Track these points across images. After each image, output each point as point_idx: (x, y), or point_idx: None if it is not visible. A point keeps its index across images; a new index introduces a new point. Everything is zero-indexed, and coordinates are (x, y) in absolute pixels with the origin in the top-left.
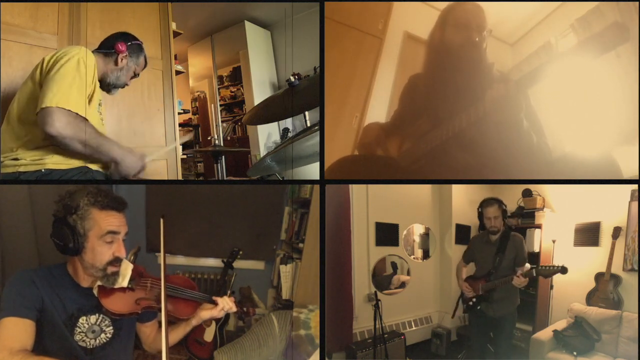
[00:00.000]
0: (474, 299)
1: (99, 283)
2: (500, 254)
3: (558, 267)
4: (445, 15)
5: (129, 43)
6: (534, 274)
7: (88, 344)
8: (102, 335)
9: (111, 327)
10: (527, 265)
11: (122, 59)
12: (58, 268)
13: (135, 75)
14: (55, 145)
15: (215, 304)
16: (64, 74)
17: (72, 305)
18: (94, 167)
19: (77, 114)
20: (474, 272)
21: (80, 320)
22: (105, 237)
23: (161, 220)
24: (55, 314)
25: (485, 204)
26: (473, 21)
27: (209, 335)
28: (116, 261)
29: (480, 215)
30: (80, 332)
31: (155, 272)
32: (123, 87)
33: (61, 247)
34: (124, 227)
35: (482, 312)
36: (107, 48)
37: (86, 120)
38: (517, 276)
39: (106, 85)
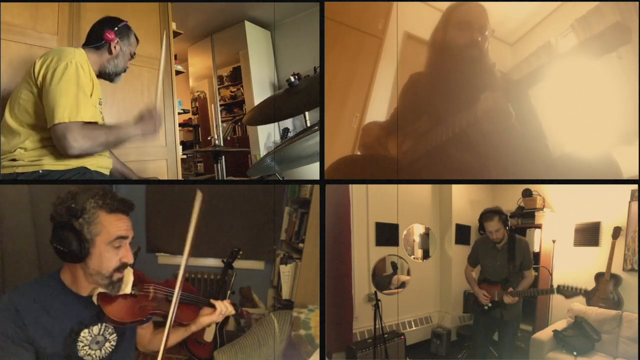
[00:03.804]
0: (490, 304)
1: (99, 290)
2: (511, 261)
3: (581, 289)
4: (448, 14)
5: (116, 28)
6: (555, 292)
7: (94, 356)
8: (107, 345)
9: (115, 335)
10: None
11: (114, 47)
12: (50, 279)
13: (132, 56)
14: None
15: (213, 307)
16: (67, 83)
17: (70, 320)
18: (92, 167)
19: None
20: (484, 275)
21: (82, 333)
22: (114, 242)
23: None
24: (47, 339)
25: (484, 218)
26: (476, 21)
27: (209, 335)
28: (122, 267)
29: (481, 226)
30: (84, 346)
31: (155, 274)
32: (124, 71)
33: (63, 254)
34: (131, 231)
35: (493, 316)
36: (96, 41)
37: (95, 124)
38: (507, 295)
39: (107, 76)
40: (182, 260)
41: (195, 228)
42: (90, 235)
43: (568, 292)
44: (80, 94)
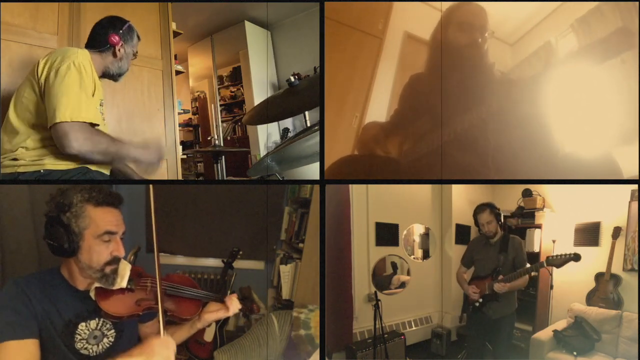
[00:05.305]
0: (481, 300)
1: (96, 285)
2: (503, 252)
3: (570, 255)
4: (448, 15)
5: (120, 31)
6: (545, 265)
7: (91, 351)
8: (105, 340)
9: (113, 331)
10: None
11: (119, 50)
12: (51, 272)
13: (135, 55)
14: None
15: (218, 301)
16: (70, 84)
17: (69, 312)
18: (93, 167)
19: (91, 124)
20: (476, 272)
21: (80, 326)
22: (103, 236)
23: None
24: (49, 326)
25: (477, 210)
26: (476, 22)
27: (209, 335)
28: (114, 261)
29: (476, 222)
30: (81, 339)
31: (154, 273)
32: (127, 71)
33: (55, 249)
34: (121, 225)
35: (483, 313)
36: (100, 44)
37: (99, 130)
38: (497, 284)
39: (110, 76)
40: (155, 255)
41: (157, 222)
42: (79, 228)
43: (557, 260)
44: (83, 95)
